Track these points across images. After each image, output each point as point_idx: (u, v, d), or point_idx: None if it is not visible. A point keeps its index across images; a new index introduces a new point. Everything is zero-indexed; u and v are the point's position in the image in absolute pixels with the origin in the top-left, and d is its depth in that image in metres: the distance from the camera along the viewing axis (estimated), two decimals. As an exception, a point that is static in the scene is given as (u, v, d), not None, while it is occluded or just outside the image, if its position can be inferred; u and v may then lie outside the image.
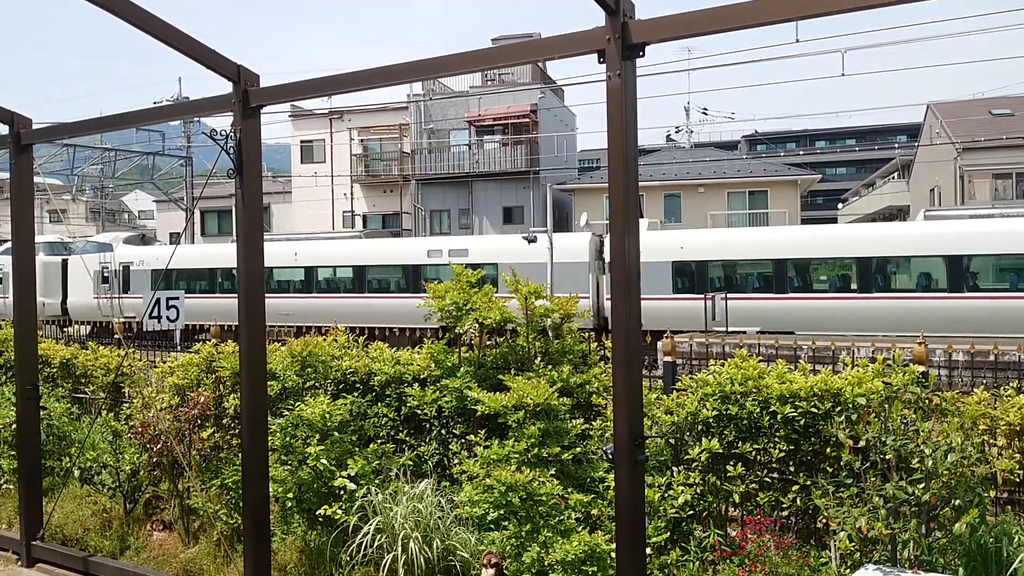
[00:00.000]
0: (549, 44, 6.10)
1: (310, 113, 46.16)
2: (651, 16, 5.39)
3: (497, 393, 7.73)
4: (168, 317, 9.90)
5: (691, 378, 8.00)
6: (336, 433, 8.32)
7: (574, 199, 39.98)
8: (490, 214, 41.22)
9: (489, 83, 43.97)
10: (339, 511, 7.84)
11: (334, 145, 45.38)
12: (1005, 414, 7.06)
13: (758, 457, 7.33)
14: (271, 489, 7.84)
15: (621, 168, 5.32)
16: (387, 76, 6.56)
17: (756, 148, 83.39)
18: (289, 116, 46.16)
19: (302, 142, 46.74)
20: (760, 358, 7.98)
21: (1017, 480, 7.22)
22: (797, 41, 25.49)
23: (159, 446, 9.03)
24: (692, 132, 56.54)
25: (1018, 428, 7.05)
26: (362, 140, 45.00)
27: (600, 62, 5.51)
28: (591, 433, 7.98)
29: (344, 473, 7.97)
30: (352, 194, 44.77)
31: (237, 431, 9.05)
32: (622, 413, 5.35)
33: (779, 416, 7.14)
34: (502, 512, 6.83)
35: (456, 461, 8.54)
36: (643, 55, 5.44)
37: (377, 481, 8.13)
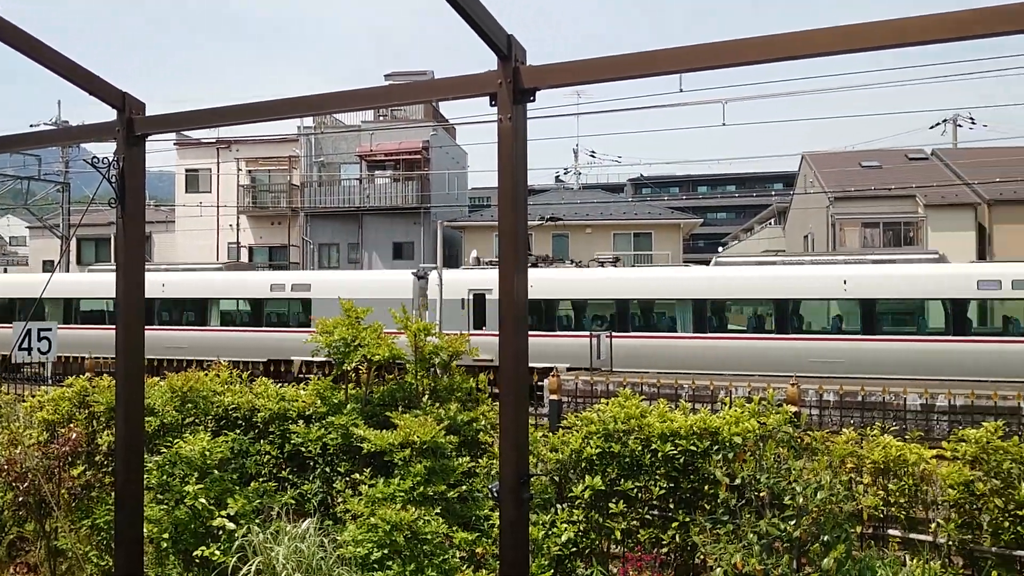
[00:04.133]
0: (444, 85, 6.19)
1: (197, 142, 45.16)
2: (542, 63, 5.54)
3: (384, 431, 7.69)
4: (40, 349, 9.50)
5: (576, 416, 8.13)
6: (216, 471, 8.11)
7: (465, 236, 40.17)
8: (380, 249, 41.00)
9: (381, 118, 43.93)
10: (217, 552, 7.62)
11: (221, 175, 44.45)
12: (870, 453, 7.42)
13: (639, 494, 7.48)
14: (146, 529, 7.57)
15: (510, 207, 5.42)
16: (279, 110, 6.52)
17: (641, 191, 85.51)
18: (174, 144, 45.04)
19: (187, 171, 45.61)
20: (642, 397, 8.18)
21: (881, 516, 7.57)
22: (681, 91, 26.45)
23: (25, 484, 8.62)
24: (580, 174, 57.64)
25: (882, 466, 7.42)
26: (250, 171, 44.21)
27: (492, 105, 5.62)
28: (478, 471, 8.01)
29: (223, 512, 7.77)
30: (239, 225, 43.87)
31: (111, 468, 8.71)
32: (508, 451, 5.40)
33: (660, 454, 7.32)
34: (386, 551, 6.77)
35: (340, 500, 8.43)
36: (533, 99, 5.58)
37: (258, 520, 7.95)
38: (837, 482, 6.30)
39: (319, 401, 9.07)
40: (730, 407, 7.59)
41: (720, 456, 6.87)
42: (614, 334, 23.58)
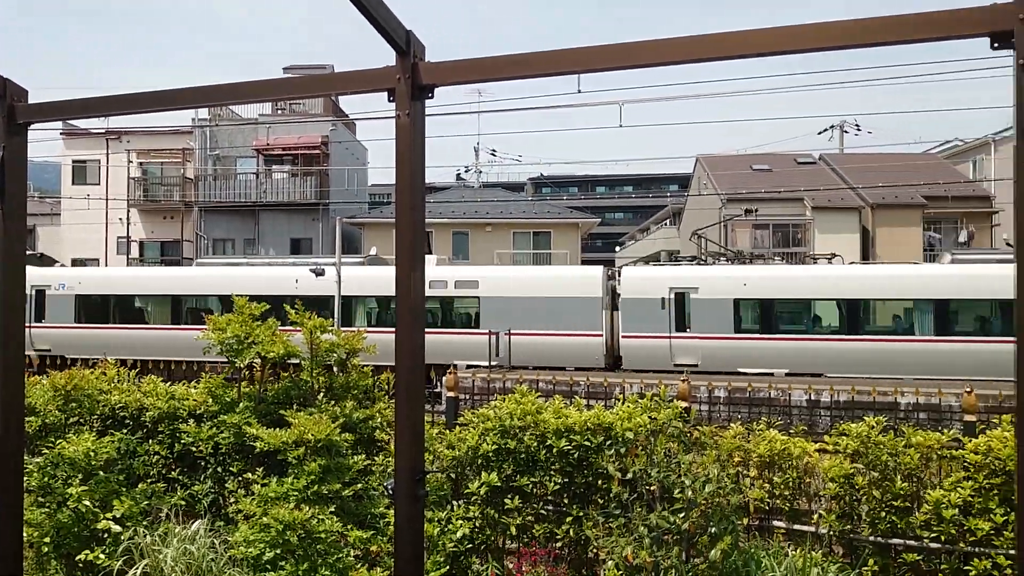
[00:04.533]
0: (342, 79, 6.12)
1: (85, 132, 43.52)
2: (442, 60, 5.55)
3: (278, 429, 7.58)
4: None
5: (473, 413, 8.17)
6: (101, 472, 7.86)
7: (364, 233, 39.78)
8: (277, 245, 40.25)
9: (279, 112, 43.14)
10: (102, 555, 7.39)
11: (110, 167, 42.95)
12: (757, 447, 7.67)
13: (535, 490, 7.56)
14: (25, 533, 7.28)
15: (408, 204, 5.40)
16: (174, 100, 6.33)
17: (541, 191, 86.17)
18: (61, 134, 43.31)
19: (75, 161, 43.92)
20: (539, 394, 8.26)
21: (767, 508, 7.84)
22: (579, 92, 26.77)
23: None
24: (481, 172, 57.73)
25: (768, 460, 7.68)
26: (141, 163, 42.85)
27: (390, 100, 5.60)
28: (374, 469, 7.96)
29: (109, 515, 7.53)
30: (129, 219, 42.49)
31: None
32: (404, 447, 5.39)
33: (555, 450, 7.41)
34: (279, 551, 6.68)
35: (233, 500, 8.27)
36: (432, 96, 5.57)
37: (146, 523, 7.73)
38: (725, 475, 6.49)
39: (211, 400, 8.88)
40: (623, 403, 7.74)
41: (612, 451, 7.01)
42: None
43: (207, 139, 42.26)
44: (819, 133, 52.54)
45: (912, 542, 7.22)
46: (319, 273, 25.42)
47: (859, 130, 45.61)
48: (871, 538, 7.34)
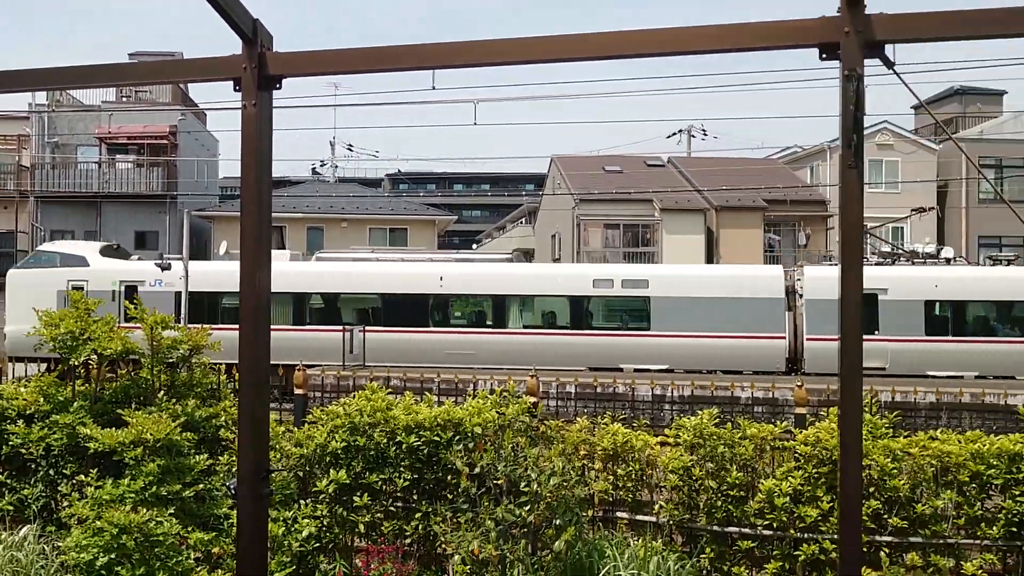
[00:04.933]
0: (188, 66, 5.92)
1: (-98, 113, 40.47)
2: (288, 50, 5.45)
3: (114, 429, 7.28)
4: None
5: (322, 410, 8.07)
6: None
7: (214, 226, 38.57)
8: (121, 238, 38.41)
9: (124, 99, 41.28)
10: (-82, 566, 6.92)
11: (-65, 152, 40.10)
12: (601, 440, 7.88)
13: (384, 487, 7.54)
14: None
15: (254, 197, 5.28)
16: (11, 82, 6.00)
17: (399, 187, 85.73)
18: None
19: None
20: (389, 391, 8.24)
21: (611, 500, 8.06)
22: (433, 88, 26.68)
23: None
24: (337, 167, 56.91)
25: (611, 452, 7.89)
26: (-30, 149, 40.19)
27: (236, 90, 5.47)
28: (218, 469, 7.75)
29: (-74, 522, 7.07)
30: (-46, 208, 39.78)
31: None
32: (247, 445, 5.28)
33: (405, 446, 7.41)
34: (114, 556, 6.42)
35: (66, 504, 7.89)
36: (280, 87, 5.47)
37: (-32, 529, 7.29)
38: (570, 468, 6.65)
39: (42, 399, 8.44)
40: (474, 398, 7.81)
41: (461, 446, 7.06)
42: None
43: (45, 125, 40.04)
44: (668, 137, 54.24)
45: (747, 530, 7.57)
46: (165, 268, 24.42)
47: (705, 135, 47.42)
48: (708, 527, 7.66)
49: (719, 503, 7.60)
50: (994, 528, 7.16)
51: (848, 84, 4.71)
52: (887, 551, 7.19)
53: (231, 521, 7.14)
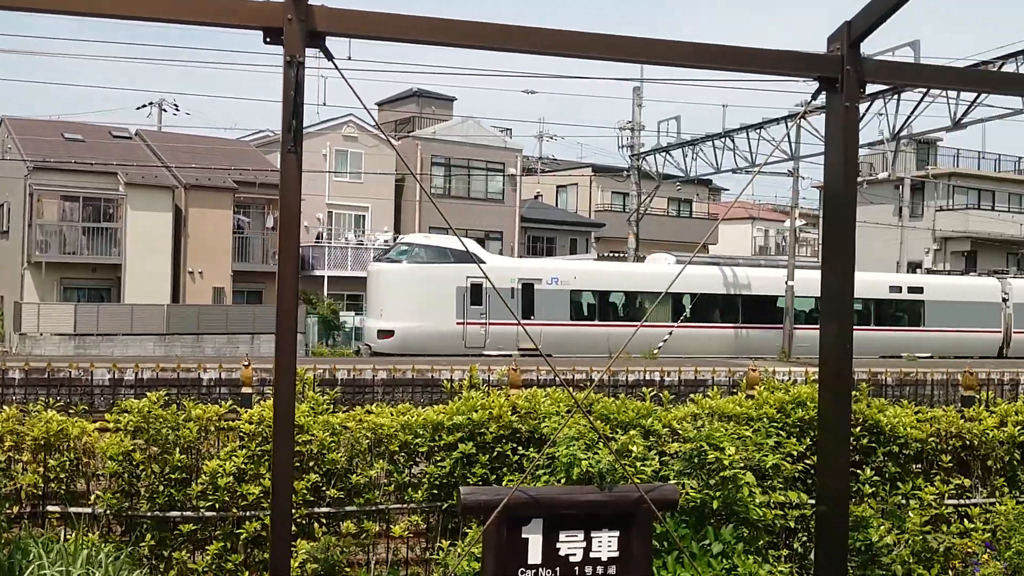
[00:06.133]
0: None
1: None
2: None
3: None
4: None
5: None
6: None
7: None
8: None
9: None
10: None
11: None
12: (31, 429, 7.23)
13: None
14: None
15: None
16: None
17: None
18: None
19: None
20: None
21: (41, 493, 7.41)
22: None
23: None
24: None
25: (43, 442, 7.27)
26: None
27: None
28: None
29: None
30: None
31: None
32: None
33: None
34: None
35: None
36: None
37: None
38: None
39: None
40: None
41: None
42: None
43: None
44: (138, 109, 51.42)
45: (189, 513, 7.45)
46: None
47: (178, 110, 45.92)
48: (149, 513, 7.40)
49: (161, 488, 7.38)
50: (419, 492, 7.87)
51: (289, 70, 4.90)
52: (324, 521, 7.59)
53: None
